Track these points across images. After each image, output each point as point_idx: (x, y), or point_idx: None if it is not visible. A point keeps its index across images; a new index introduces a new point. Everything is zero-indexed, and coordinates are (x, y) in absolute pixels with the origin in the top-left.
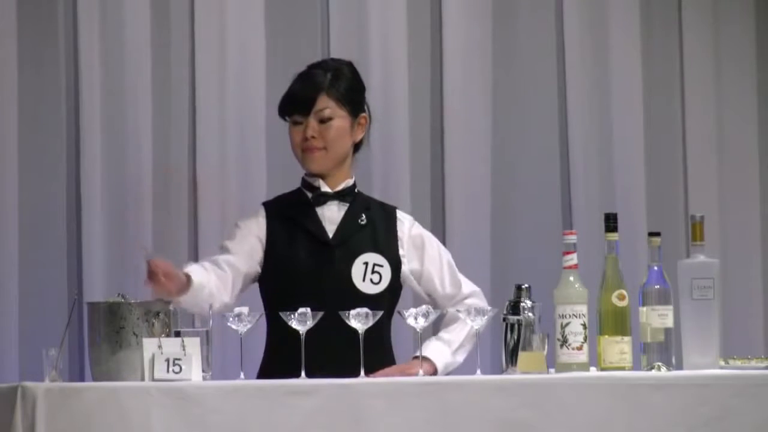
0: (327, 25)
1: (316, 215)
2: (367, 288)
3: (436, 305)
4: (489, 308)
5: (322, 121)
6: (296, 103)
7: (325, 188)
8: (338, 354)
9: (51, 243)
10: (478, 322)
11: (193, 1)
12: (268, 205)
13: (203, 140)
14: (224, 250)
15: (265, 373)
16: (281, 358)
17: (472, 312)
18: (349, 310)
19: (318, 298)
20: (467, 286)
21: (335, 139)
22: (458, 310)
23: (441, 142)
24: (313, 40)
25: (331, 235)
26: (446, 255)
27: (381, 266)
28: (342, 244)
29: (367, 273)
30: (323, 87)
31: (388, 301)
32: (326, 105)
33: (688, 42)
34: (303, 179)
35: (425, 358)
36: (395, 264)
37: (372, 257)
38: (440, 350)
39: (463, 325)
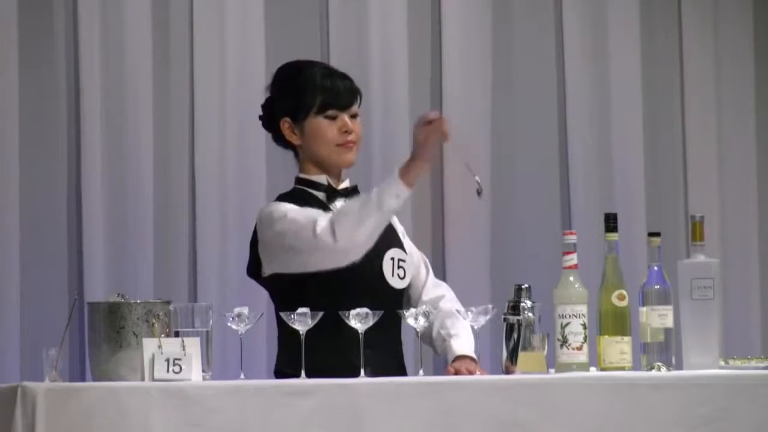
0: (327, 25)
1: (331, 210)
2: (396, 283)
3: (409, 301)
4: (489, 308)
5: (352, 116)
6: (342, 100)
7: (333, 185)
8: (385, 349)
9: (51, 243)
10: (479, 323)
11: (193, 1)
12: (286, 199)
13: (203, 140)
14: (315, 219)
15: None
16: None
17: (472, 312)
18: (383, 305)
19: (359, 295)
20: (440, 287)
21: (361, 134)
22: (458, 311)
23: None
24: (313, 40)
25: None
26: (417, 250)
27: (404, 261)
28: None
29: (394, 268)
30: (356, 86)
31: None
32: (357, 102)
33: (687, 42)
34: (303, 179)
35: (471, 358)
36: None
37: (396, 252)
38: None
39: (462, 320)
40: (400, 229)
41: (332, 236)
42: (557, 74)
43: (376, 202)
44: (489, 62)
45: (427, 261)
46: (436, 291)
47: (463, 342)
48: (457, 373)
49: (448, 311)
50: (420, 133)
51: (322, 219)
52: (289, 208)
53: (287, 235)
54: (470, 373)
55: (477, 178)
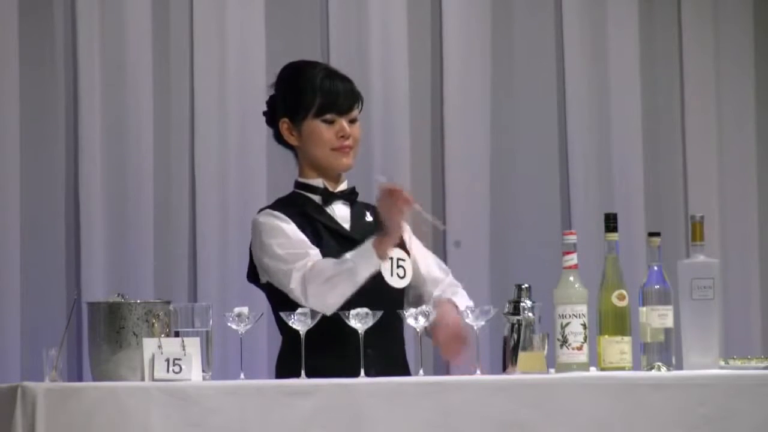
0: (327, 25)
1: (328, 214)
2: (395, 282)
3: (417, 290)
4: (489, 308)
5: (351, 121)
6: (341, 104)
7: (330, 188)
8: (386, 349)
9: (52, 243)
10: (479, 323)
11: (193, 1)
12: (278, 209)
13: (203, 140)
14: (305, 256)
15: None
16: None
17: (472, 312)
18: (381, 304)
19: (357, 295)
20: (442, 264)
21: (359, 138)
22: (458, 311)
23: (441, 141)
24: (313, 40)
25: (349, 231)
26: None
27: (404, 260)
28: (363, 239)
29: (393, 267)
30: (356, 90)
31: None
32: (356, 106)
33: (687, 42)
34: (300, 182)
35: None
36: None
37: (396, 252)
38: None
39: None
40: (406, 229)
41: (303, 296)
42: (557, 74)
43: (350, 270)
44: (489, 62)
45: (441, 263)
46: (446, 277)
47: (455, 298)
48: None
49: (453, 289)
50: (382, 207)
51: (296, 272)
52: (276, 234)
53: (269, 272)
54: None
55: (431, 218)
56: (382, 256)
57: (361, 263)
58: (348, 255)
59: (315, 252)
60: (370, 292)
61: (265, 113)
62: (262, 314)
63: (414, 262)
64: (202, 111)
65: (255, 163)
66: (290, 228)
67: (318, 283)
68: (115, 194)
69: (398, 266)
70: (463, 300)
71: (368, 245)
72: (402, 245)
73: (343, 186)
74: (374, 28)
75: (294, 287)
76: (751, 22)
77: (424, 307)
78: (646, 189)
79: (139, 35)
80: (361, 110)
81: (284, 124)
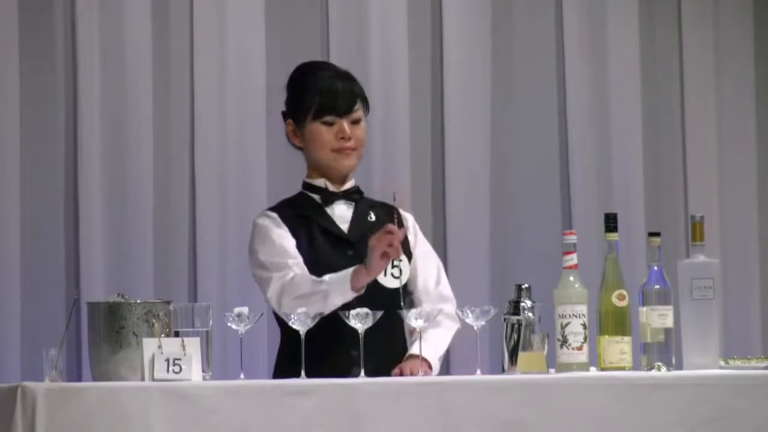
0: (327, 25)
1: (327, 214)
2: (389, 282)
3: (411, 296)
4: (489, 308)
5: (353, 122)
6: (339, 105)
7: (331, 188)
8: (387, 349)
9: (52, 243)
10: (479, 323)
11: (193, 1)
12: (277, 210)
13: (203, 140)
14: (285, 266)
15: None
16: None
17: (472, 312)
18: (373, 305)
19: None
20: (448, 290)
21: (363, 140)
22: (459, 312)
23: (441, 142)
24: (313, 40)
25: (346, 233)
26: (436, 257)
27: (400, 260)
28: (360, 241)
29: (388, 268)
30: (358, 91)
31: (403, 294)
32: (359, 107)
33: (687, 42)
34: (305, 182)
35: (424, 359)
36: (410, 258)
37: None
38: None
39: (449, 331)
40: (411, 225)
41: (278, 306)
42: (557, 74)
43: (323, 293)
44: (489, 62)
45: (441, 269)
46: (437, 305)
47: (425, 346)
48: (401, 372)
49: (436, 321)
50: (374, 242)
51: (275, 282)
52: (264, 240)
53: (254, 276)
54: (411, 372)
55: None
56: (356, 288)
57: (335, 290)
58: (327, 277)
59: (295, 262)
60: (368, 291)
61: (282, 113)
62: (262, 314)
63: (414, 269)
64: (202, 111)
65: (255, 163)
66: (279, 234)
67: (291, 298)
68: (114, 194)
69: (393, 266)
70: (435, 337)
71: (346, 274)
72: (405, 246)
73: (349, 184)
74: (374, 28)
75: (270, 296)
76: (751, 22)
77: (424, 306)
78: (646, 189)
79: (139, 35)
80: (368, 112)
81: (289, 126)
